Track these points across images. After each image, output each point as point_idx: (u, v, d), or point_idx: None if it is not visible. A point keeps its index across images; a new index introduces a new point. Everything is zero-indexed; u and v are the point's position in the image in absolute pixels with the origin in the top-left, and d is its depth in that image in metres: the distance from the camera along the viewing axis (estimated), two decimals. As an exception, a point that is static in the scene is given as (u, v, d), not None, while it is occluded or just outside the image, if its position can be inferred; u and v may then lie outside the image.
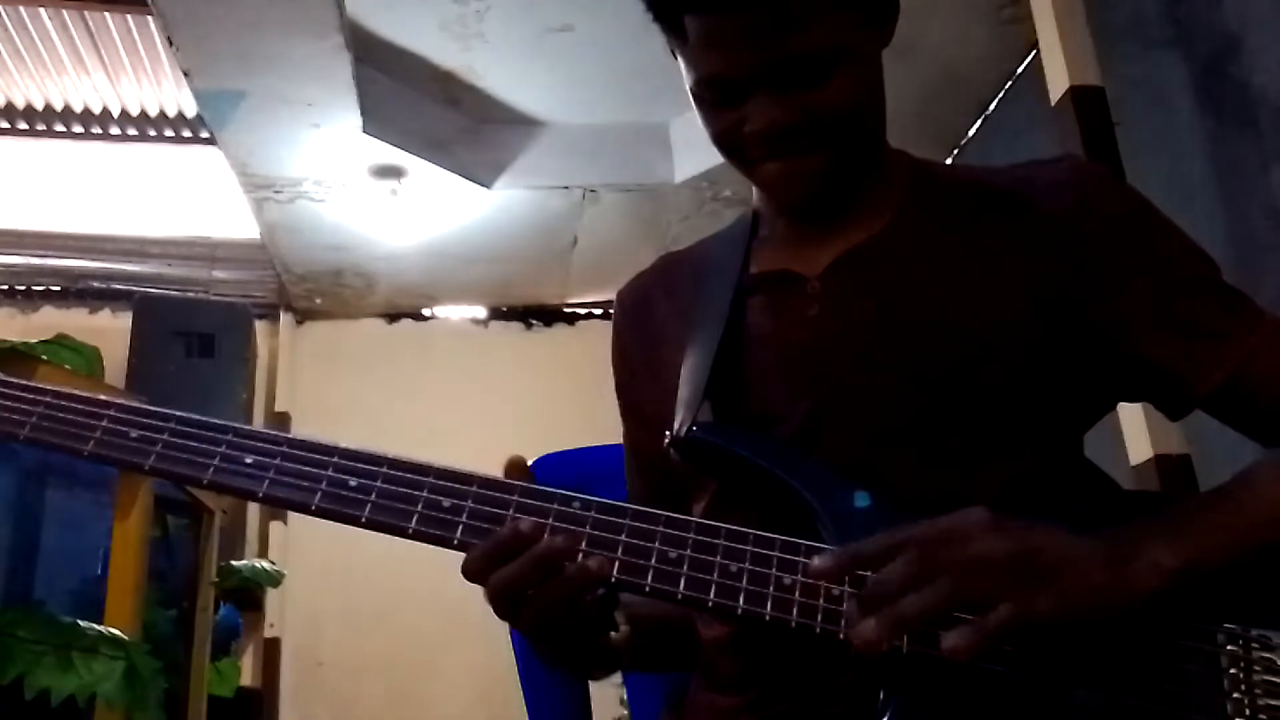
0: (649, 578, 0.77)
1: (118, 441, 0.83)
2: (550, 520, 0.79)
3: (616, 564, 0.78)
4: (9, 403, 0.85)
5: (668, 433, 0.90)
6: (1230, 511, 0.80)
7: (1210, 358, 0.86)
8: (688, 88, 0.91)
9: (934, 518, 0.73)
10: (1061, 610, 0.70)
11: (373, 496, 0.80)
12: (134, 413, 0.84)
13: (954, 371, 0.87)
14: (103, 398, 0.85)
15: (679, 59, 0.91)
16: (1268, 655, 0.74)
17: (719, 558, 0.78)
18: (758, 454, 0.86)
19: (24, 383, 0.86)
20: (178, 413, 0.84)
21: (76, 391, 0.86)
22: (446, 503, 0.80)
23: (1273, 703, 0.73)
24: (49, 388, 0.86)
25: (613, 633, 0.86)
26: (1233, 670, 0.74)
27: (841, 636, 0.73)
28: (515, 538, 0.76)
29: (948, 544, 0.70)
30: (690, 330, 0.98)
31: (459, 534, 0.79)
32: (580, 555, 0.77)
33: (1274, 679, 0.74)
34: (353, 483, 0.81)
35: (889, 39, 0.94)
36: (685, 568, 0.77)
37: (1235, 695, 0.73)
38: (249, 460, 0.81)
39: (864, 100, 0.90)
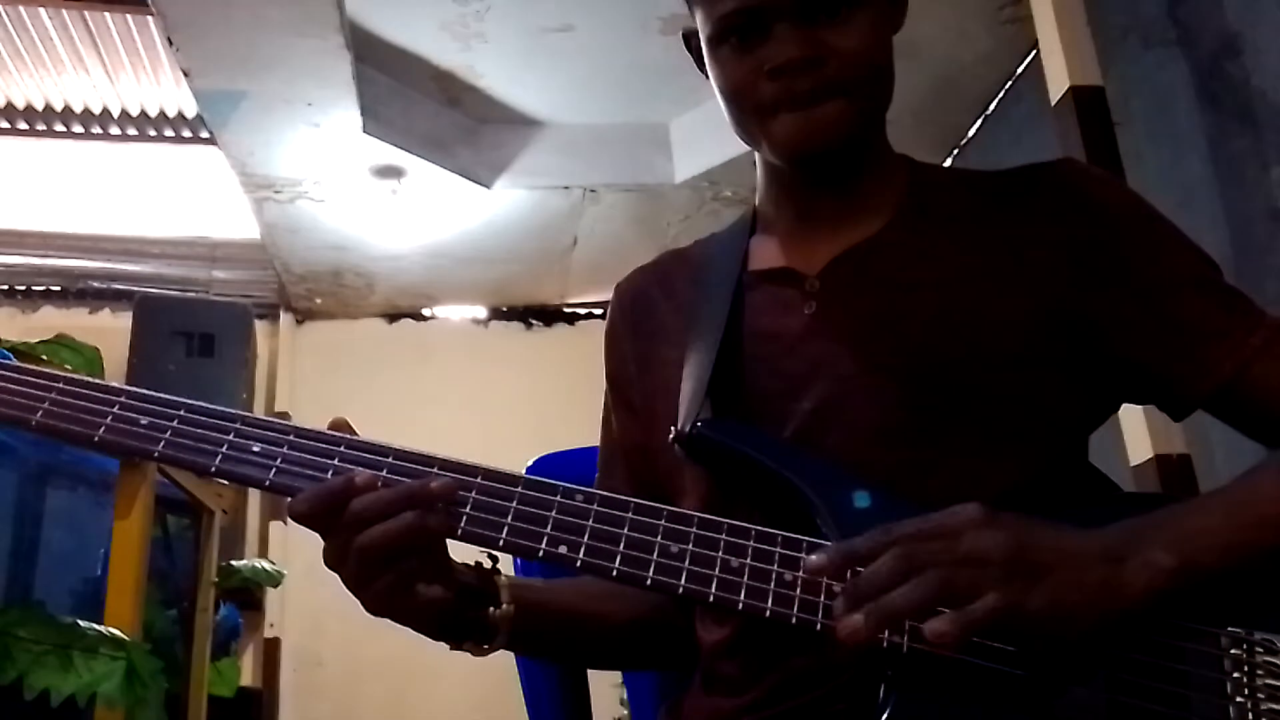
0: (650, 570, 0.77)
1: (128, 429, 0.83)
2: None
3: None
4: (20, 388, 0.84)
5: (673, 428, 0.90)
6: (1230, 512, 0.79)
7: (1211, 358, 0.86)
8: (705, 38, 0.93)
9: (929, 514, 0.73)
10: (1052, 606, 0.69)
11: None
12: (144, 400, 0.84)
13: (954, 372, 0.87)
14: (114, 384, 0.85)
15: (696, 8, 0.93)
16: (1272, 660, 0.74)
17: (720, 553, 0.77)
18: (763, 452, 0.86)
19: (35, 369, 0.86)
20: (186, 400, 0.84)
21: (87, 379, 0.85)
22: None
23: (1276, 708, 0.72)
24: (60, 374, 0.85)
25: (493, 609, 0.85)
26: (1236, 674, 0.73)
27: (821, 627, 0.73)
28: (348, 484, 0.76)
29: (939, 538, 0.70)
30: (690, 327, 0.98)
31: (463, 524, 0.79)
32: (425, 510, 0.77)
33: (1278, 684, 0.73)
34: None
35: (899, 21, 0.95)
36: (687, 562, 0.77)
37: (1239, 700, 0.73)
38: (256, 449, 0.81)
39: (882, 51, 0.91)
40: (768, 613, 0.75)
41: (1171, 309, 0.88)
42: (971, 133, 3.26)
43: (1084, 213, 0.91)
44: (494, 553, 0.85)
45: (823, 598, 0.75)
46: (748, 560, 0.77)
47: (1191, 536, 0.76)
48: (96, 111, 3.47)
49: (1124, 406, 0.99)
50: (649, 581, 0.77)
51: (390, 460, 0.81)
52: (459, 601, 0.84)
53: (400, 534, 0.76)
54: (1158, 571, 0.73)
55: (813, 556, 0.73)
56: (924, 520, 0.72)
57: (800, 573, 0.76)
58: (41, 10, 2.94)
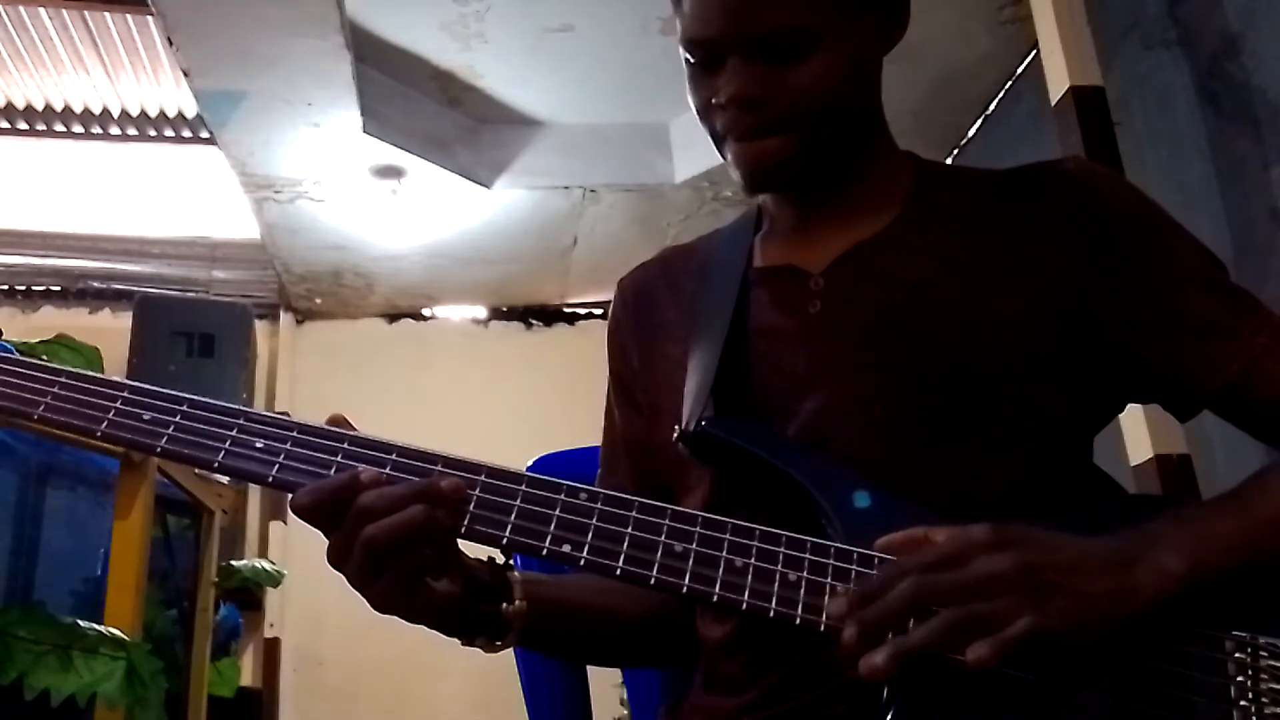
0: (654, 570, 0.77)
1: (131, 423, 0.82)
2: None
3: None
4: (23, 382, 0.84)
5: (677, 426, 0.90)
6: (1238, 515, 0.79)
7: (1218, 358, 0.86)
8: (682, 58, 0.94)
9: (935, 539, 0.73)
10: (1070, 621, 0.69)
11: None
12: (147, 395, 0.84)
13: (958, 371, 0.87)
14: (116, 379, 0.85)
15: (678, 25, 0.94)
16: (1276, 664, 0.73)
17: (725, 552, 0.77)
18: (768, 450, 0.86)
19: (38, 362, 0.85)
20: (189, 396, 0.84)
21: (90, 373, 0.85)
22: None
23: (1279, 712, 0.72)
24: (63, 369, 0.85)
25: (505, 605, 0.85)
26: (1240, 678, 0.73)
27: (825, 628, 0.73)
28: (353, 480, 0.76)
29: (949, 567, 0.70)
30: (694, 324, 0.98)
31: (467, 522, 0.79)
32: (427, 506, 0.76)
33: (1282, 688, 0.73)
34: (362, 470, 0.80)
35: (890, 40, 0.94)
36: (691, 561, 0.77)
37: (1242, 703, 0.72)
38: (259, 445, 0.81)
39: (838, 90, 0.89)
40: (771, 613, 0.75)
41: (1178, 309, 0.88)
42: (971, 133, 3.26)
43: (1090, 212, 0.91)
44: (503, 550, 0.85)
45: (827, 599, 0.75)
46: (752, 560, 0.77)
47: (1200, 538, 0.76)
48: (96, 111, 3.47)
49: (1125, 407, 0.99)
50: (653, 581, 0.77)
51: (394, 458, 0.80)
52: (470, 596, 0.83)
53: (408, 526, 0.75)
54: (1167, 575, 0.73)
55: (831, 606, 0.73)
56: (934, 548, 0.72)
57: (804, 573, 0.76)
58: (41, 10, 2.94)
